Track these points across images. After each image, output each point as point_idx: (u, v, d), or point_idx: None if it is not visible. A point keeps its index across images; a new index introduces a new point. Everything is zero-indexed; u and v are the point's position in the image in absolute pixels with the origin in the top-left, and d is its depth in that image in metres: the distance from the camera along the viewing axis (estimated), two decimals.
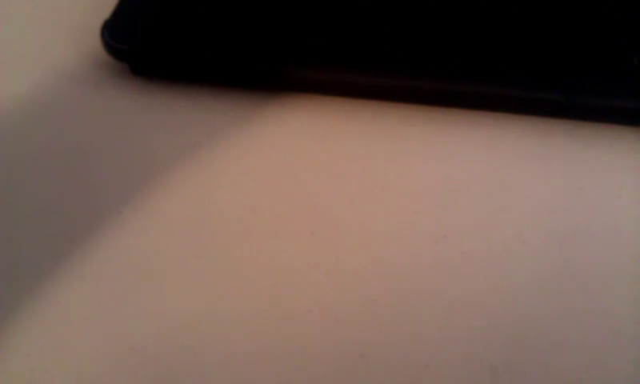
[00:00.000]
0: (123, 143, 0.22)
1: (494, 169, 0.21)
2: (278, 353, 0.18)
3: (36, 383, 0.18)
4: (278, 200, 0.21)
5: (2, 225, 0.21)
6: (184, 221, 0.21)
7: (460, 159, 0.22)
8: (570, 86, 0.22)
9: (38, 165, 0.22)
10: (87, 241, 0.20)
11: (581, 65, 0.22)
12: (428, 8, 0.23)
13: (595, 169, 0.21)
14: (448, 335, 0.18)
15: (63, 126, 0.23)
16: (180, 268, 0.20)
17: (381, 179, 0.21)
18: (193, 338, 0.19)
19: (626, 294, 0.19)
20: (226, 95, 0.23)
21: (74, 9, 0.26)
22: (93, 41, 0.24)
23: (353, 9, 0.23)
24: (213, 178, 0.22)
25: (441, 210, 0.21)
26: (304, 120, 0.23)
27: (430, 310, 0.19)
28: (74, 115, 0.23)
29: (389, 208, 0.21)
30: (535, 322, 0.19)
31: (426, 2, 0.23)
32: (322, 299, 0.19)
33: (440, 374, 0.18)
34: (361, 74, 0.22)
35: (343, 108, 0.23)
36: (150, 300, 0.19)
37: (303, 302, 0.19)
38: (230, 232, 0.20)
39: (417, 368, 0.18)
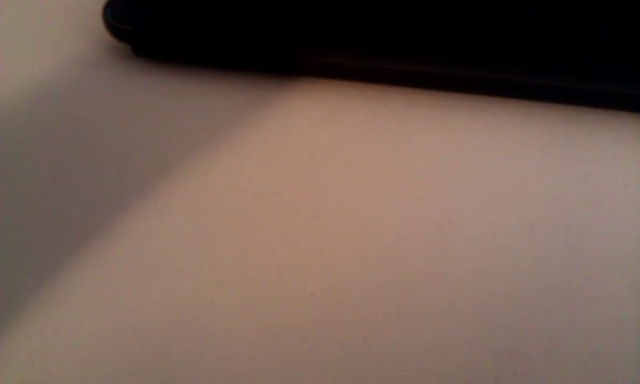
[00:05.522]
0: (125, 125, 0.22)
1: (499, 154, 0.21)
2: (281, 336, 0.18)
3: (35, 365, 0.18)
4: (282, 184, 0.21)
5: (4, 210, 0.20)
6: (186, 204, 0.21)
7: (465, 144, 0.22)
8: (575, 71, 0.21)
9: (38, 147, 0.22)
10: (88, 224, 0.20)
11: (587, 50, 0.22)
12: None
13: (601, 156, 0.21)
14: (452, 320, 0.18)
15: (64, 108, 0.23)
16: (183, 252, 0.20)
17: (385, 164, 0.21)
18: (196, 321, 0.18)
19: (630, 280, 0.19)
20: (229, 78, 0.23)
21: None
22: (94, 21, 0.23)
23: None
24: (215, 162, 0.21)
25: (446, 196, 0.21)
26: (308, 104, 0.23)
27: (433, 294, 0.19)
28: (76, 97, 0.23)
29: (393, 193, 0.21)
30: (539, 307, 0.19)
31: None
32: (326, 283, 0.19)
33: (443, 359, 0.18)
34: (366, 58, 0.22)
35: (348, 92, 0.23)
36: (152, 284, 0.19)
37: (306, 286, 0.19)
38: (234, 216, 0.20)
39: (420, 352, 0.18)
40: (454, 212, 0.20)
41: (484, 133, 0.22)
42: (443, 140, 0.22)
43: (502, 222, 0.20)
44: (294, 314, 0.19)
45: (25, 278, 0.19)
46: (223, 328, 0.18)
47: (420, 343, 0.18)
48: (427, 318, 0.19)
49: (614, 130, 0.22)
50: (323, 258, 0.19)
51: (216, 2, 0.23)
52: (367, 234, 0.20)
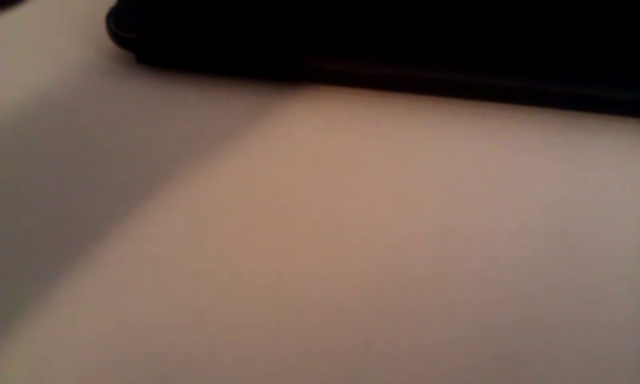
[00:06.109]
0: (127, 132, 0.22)
1: (498, 160, 0.21)
2: (282, 342, 0.18)
3: (38, 371, 0.18)
4: (283, 190, 0.21)
5: (7, 212, 0.21)
6: (188, 209, 0.21)
7: (465, 150, 0.22)
8: (574, 76, 0.21)
9: (42, 154, 0.22)
10: (90, 229, 0.20)
11: (585, 56, 0.22)
12: None
13: (600, 161, 0.21)
14: (452, 325, 0.19)
15: (68, 115, 0.23)
16: (185, 257, 0.20)
17: (386, 170, 0.21)
18: (197, 326, 0.19)
19: (628, 285, 0.19)
20: (232, 85, 0.23)
21: None
22: (98, 29, 0.24)
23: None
24: (217, 168, 0.22)
25: (446, 201, 0.21)
26: (310, 110, 0.23)
27: (433, 299, 0.19)
28: (79, 104, 0.23)
29: (394, 199, 0.21)
30: (539, 312, 0.19)
31: None
32: (327, 288, 0.19)
33: (444, 364, 0.18)
34: (366, 65, 0.22)
35: (349, 98, 0.23)
36: (154, 289, 0.19)
37: (308, 291, 0.19)
38: (235, 222, 0.20)
39: (420, 357, 0.18)
40: (454, 217, 0.20)
41: (484, 138, 0.22)
42: (443, 145, 0.22)
43: (501, 228, 0.20)
44: (295, 319, 0.19)
45: (28, 284, 0.19)
46: (224, 333, 0.18)
47: (420, 348, 0.18)
48: (427, 322, 0.19)
49: (613, 135, 0.22)
50: (324, 264, 0.20)
51: (218, 9, 0.23)
52: (368, 239, 0.20)
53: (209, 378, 0.18)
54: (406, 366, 0.18)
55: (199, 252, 0.20)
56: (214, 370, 0.18)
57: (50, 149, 0.22)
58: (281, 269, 0.19)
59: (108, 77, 0.24)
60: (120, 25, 0.23)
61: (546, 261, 0.20)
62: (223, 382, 0.18)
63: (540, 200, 0.21)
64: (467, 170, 0.21)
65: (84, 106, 0.23)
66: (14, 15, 0.26)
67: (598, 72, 0.21)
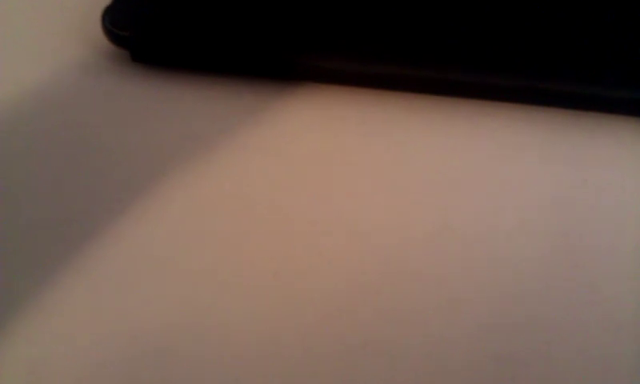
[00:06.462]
0: (122, 131, 0.22)
1: (497, 159, 0.21)
2: (280, 342, 0.18)
3: (36, 372, 0.18)
4: (279, 189, 0.21)
5: (4, 213, 0.20)
6: (183, 209, 0.20)
7: (463, 149, 0.22)
8: (574, 75, 0.22)
9: (36, 152, 0.22)
10: (87, 229, 0.20)
11: (585, 54, 0.22)
12: None
13: (600, 160, 0.21)
14: (450, 324, 0.18)
15: (63, 113, 0.23)
16: (181, 257, 0.20)
17: (383, 169, 0.21)
18: (194, 326, 0.18)
19: (629, 285, 0.19)
20: (227, 83, 0.23)
21: None
22: (93, 27, 0.23)
23: None
24: (212, 167, 0.21)
25: (444, 200, 0.21)
26: (306, 109, 0.23)
27: (432, 300, 0.19)
28: (74, 102, 0.23)
29: (392, 198, 0.21)
30: (538, 312, 0.19)
31: None
32: (324, 288, 0.19)
33: (443, 364, 0.18)
34: (364, 63, 0.22)
35: (346, 97, 0.23)
36: (151, 289, 0.19)
37: (305, 291, 0.19)
38: (231, 221, 0.20)
39: (419, 357, 0.18)
40: (452, 216, 0.20)
41: (482, 137, 0.22)
42: (441, 144, 0.22)
43: (500, 227, 0.20)
44: (292, 320, 0.19)
45: (24, 283, 0.19)
46: (221, 334, 0.18)
47: (420, 347, 0.18)
48: (426, 322, 0.18)
49: (613, 134, 0.22)
50: (321, 263, 0.19)
51: (214, 8, 0.23)
52: (366, 238, 0.20)
53: (206, 378, 0.18)
54: (405, 365, 0.18)
55: (196, 251, 0.20)
56: (210, 371, 0.18)
57: (44, 147, 0.22)
58: (279, 268, 0.19)
59: (103, 75, 0.24)
60: (115, 23, 0.23)
61: (545, 260, 0.20)
62: (220, 382, 0.18)
63: (540, 200, 0.21)
64: (466, 169, 0.21)
65: (79, 103, 0.23)
66: (8, 13, 0.25)
67: (597, 71, 0.21)
